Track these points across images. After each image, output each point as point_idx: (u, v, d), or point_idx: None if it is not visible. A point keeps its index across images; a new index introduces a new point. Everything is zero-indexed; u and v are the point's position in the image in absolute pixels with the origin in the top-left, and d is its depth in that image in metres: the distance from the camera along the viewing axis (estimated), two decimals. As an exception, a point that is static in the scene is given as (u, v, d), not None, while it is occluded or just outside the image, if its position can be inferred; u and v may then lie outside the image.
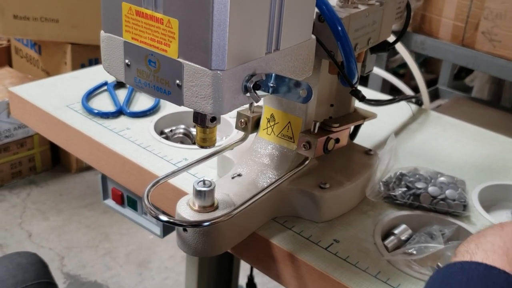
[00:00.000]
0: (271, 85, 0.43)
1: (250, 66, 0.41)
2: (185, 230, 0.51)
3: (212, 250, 0.53)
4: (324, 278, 0.52)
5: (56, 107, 0.78)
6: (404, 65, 2.17)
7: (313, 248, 0.55)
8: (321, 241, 0.56)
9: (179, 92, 0.42)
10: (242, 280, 1.19)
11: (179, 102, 0.42)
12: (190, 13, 0.38)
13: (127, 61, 0.44)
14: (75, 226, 1.72)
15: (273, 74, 0.43)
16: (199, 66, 0.40)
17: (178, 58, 0.41)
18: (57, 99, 0.80)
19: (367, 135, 0.71)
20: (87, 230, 1.72)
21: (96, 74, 0.89)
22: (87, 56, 1.90)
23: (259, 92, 0.42)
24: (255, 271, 1.30)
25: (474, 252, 0.41)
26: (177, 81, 0.41)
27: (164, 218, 0.49)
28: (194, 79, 0.40)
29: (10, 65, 2.21)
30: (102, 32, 0.45)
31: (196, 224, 0.50)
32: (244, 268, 1.19)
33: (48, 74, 1.99)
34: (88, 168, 2.00)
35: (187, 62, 0.40)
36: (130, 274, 1.57)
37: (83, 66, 1.90)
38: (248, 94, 0.42)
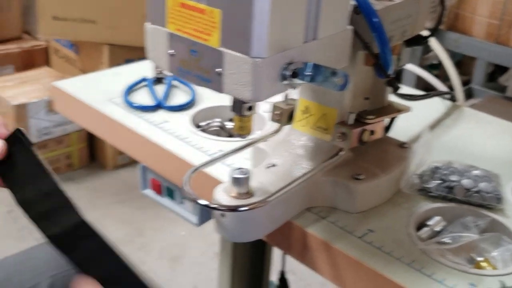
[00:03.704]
0: (308, 73, 0.44)
1: (288, 55, 0.43)
2: (222, 215, 0.53)
3: (248, 235, 0.54)
4: (358, 266, 0.53)
5: (99, 101, 0.81)
6: (437, 66, 2.15)
7: (347, 238, 0.56)
8: (356, 230, 0.57)
9: (219, 80, 0.43)
10: (273, 277, 1.21)
11: (219, 90, 0.44)
12: (232, 3, 0.40)
13: (170, 51, 0.46)
14: (110, 222, 1.77)
15: (310, 63, 0.44)
16: (240, 54, 0.41)
17: (219, 47, 0.42)
18: (100, 94, 0.83)
19: (401, 128, 0.71)
20: (122, 225, 1.76)
21: (135, 71, 0.92)
22: (124, 56, 1.94)
23: (296, 81, 0.44)
24: (286, 268, 1.31)
25: None
26: (218, 69, 0.43)
27: (203, 202, 0.50)
28: (234, 67, 0.42)
29: (49, 65, 2.28)
30: (147, 24, 0.47)
31: (233, 209, 0.51)
32: (275, 266, 1.20)
33: (85, 74, 2.04)
34: (123, 165, 2.05)
35: (227, 50, 0.42)
36: (164, 268, 1.60)
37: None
38: (285, 82, 0.43)
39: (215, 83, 0.44)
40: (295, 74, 0.43)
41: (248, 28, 0.40)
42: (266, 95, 0.43)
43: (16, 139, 0.53)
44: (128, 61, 1.97)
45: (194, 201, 0.50)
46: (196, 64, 0.44)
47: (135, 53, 1.90)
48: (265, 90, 0.42)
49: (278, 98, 0.68)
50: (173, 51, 0.46)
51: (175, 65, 0.47)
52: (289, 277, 1.35)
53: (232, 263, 1.03)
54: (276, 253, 1.14)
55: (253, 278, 1.07)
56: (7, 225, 1.74)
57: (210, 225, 0.76)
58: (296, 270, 1.68)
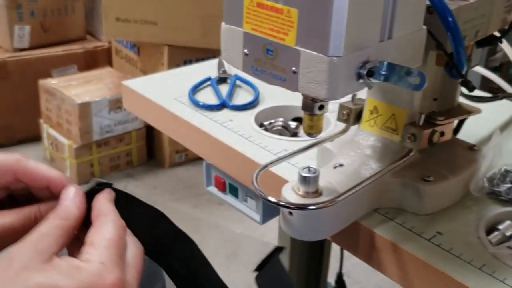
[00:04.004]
0: (383, 73, 0.44)
1: (364, 54, 0.43)
2: (290, 213, 0.53)
3: (315, 234, 0.55)
4: (427, 268, 0.52)
5: (165, 100, 0.83)
6: (499, 68, 2.08)
7: (415, 239, 0.56)
8: (424, 232, 0.56)
9: (295, 79, 0.44)
10: (330, 278, 1.20)
11: (294, 88, 0.45)
12: (310, 2, 0.41)
13: (245, 50, 0.47)
14: (167, 218, 1.81)
15: (385, 62, 0.44)
16: (316, 53, 0.42)
17: (295, 46, 0.43)
18: (166, 93, 0.85)
19: (469, 131, 0.70)
20: (179, 222, 1.79)
21: (200, 70, 0.94)
22: (183, 57, 1.99)
23: (372, 80, 0.44)
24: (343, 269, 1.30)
25: None
26: (293, 68, 0.44)
27: (272, 199, 0.51)
28: (310, 65, 0.42)
29: (111, 65, 2.35)
30: (223, 24, 0.49)
31: (302, 207, 0.52)
32: (332, 267, 1.20)
33: (145, 74, 2.10)
34: (180, 163, 2.09)
35: (304, 49, 0.42)
36: (219, 266, 1.61)
37: (178, 67, 1.98)
38: (361, 81, 0.43)
39: (290, 81, 0.44)
40: (370, 73, 0.43)
41: (326, 27, 0.40)
42: (341, 94, 0.43)
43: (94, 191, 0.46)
44: (186, 62, 2.01)
45: (264, 198, 0.51)
46: (271, 63, 0.45)
47: (192, 54, 1.94)
48: (341, 89, 0.42)
49: (345, 98, 0.68)
50: (247, 50, 0.47)
51: (249, 64, 0.47)
52: (344, 279, 1.34)
53: (290, 263, 1.03)
54: (332, 255, 1.14)
55: (310, 278, 1.07)
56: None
57: (265, 224, 0.78)
58: (351, 273, 1.67)
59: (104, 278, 0.38)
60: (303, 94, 0.47)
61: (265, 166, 0.57)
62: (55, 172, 0.44)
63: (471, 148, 0.65)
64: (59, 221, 0.40)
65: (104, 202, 0.44)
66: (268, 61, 0.45)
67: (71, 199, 0.42)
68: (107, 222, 0.42)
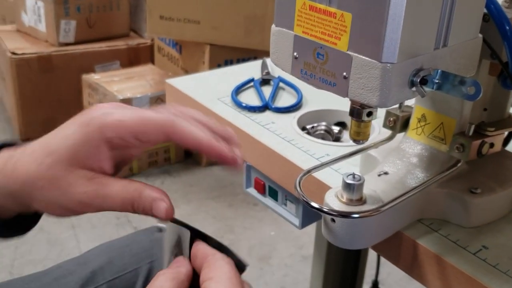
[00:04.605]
0: (436, 81, 0.43)
1: (418, 61, 0.42)
2: (333, 220, 0.53)
3: (357, 243, 0.54)
4: (472, 282, 0.51)
5: (208, 99, 0.83)
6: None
7: (460, 252, 0.54)
8: (469, 246, 0.55)
9: (345, 84, 0.43)
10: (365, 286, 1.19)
11: (344, 94, 0.44)
12: (365, 6, 0.40)
13: (295, 53, 0.46)
14: (202, 216, 1.82)
15: (439, 70, 0.43)
16: (369, 59, 0.41)
17: (347, 51, 0.42)
18: (209, 92, 0.86)
19: (520, 143, 0.68)
20: (213, 220, 1.81)
21: (243, 71, 0.94)
22: (224, 57, 2.00)
23: (425, 88, 0.43)
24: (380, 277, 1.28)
25: None
26: (344, 73, 0.43)
27: (316, 205, 0.50)
28: (362, 71, 0.42)
29: (153, 63, 2.38)
30: (273, 26, 0.48)
31: (346, 215, 0.51)
32: (367, 274, 1.18)
33: (187, 72, 2.12)
34: (217, 163, 2.10)
35: (356, 54, 0.42)
36: (252, 267, 1.62)
37: (219, 66, 2.00)
38: (413, 89, 0.42)
39: (340, 87, 0.44)
40: (424, 81, 0.42)
41: (380, 33, 0.39)
42: (393, 102, 0.42)
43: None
44: (227, 61, 2.02)
45: (307, 204, 0.51)
46: (321, 67, 0.45)
47: (234, 54, 1.94)
48: (392, 96, 0.41)
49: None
50: (297, 53, 0.46)
51: (298, 67, 0.47)
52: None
53: (325, 269, 1.02)
54: (367, 261, 1.13)
55: (345, 285, 1.06)
56: (106, 213, 1.84)
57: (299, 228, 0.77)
58: (385, 280, 1.64)
59: None
60: (352, 100, 0.46)
61: (309, 171, 0.56)
62: (203, 134, 0.47)
63: (521, 161, 0.63)
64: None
65: (205, 246, 0.44)
66: (318, 65, 0.45)
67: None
68: (219, 260, 0.42)
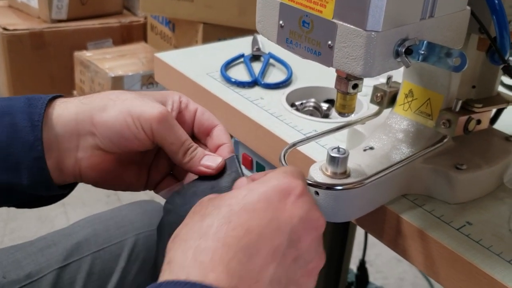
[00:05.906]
0: (422, 52, 0.42)
1: (404, 31, 0.42)
2: (317, 193, 0.52)
3: (340, 216, 0.54)
4: (454, 257, 0.51)
5: (197, 74, 0.82)
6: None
7: (444, 228, 0.54)
8: (453, 221, 0.55)
9: (330, 53, 0.43)
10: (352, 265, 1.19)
11: (329, 63, 0.43)
12: (350, -27, 0.39)
13: (281, 22, 0.46)
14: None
15: (425, 41, 0.42)
16: (354, 27, 0.40)
17: (332, 18, 0.42)
18: (198, 67, 0.85)
19: (507, 121, 0.67)
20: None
21: (233, 47, 0.93)
22: (217, 36, 1.97)
23: (410, 58, 0.42)
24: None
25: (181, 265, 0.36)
26: (329, 42, 0.42)
27: (299, 178, 0.50)
28: (347, 39, 0.41)
29: (145, 41, 2.36)
30: (259, -6, 0.48)
31: (329, 187, 0.51)
32: (355, 255, 1.19)
33: (180, 50, 2.10)
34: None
35: (341, 22, 0.41)
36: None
37: (212, 45, 1.98)
38: (398, 59, 0.42)
39: (325, 56, 0.43)
40: (409, 51, 0.42)
41: (365, 0, 0.39)
42: (377, 71, 0.41)
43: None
44: (221, 40, 2.00)
45: (291, 175, 0.50)
46: (306, 36, 0.44)
47: (227, 33, 1.92)
48: (377, 65, 0.41)
49: (380, 79, 0.67)
50: (283, 22, 0.46)
51: (284, 36, 0.46)
52: (367, 267, 1.33)
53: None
54: (356, 243, 1.13)
55: (332, 263, 1.06)
56: (97, 191, 1.83)
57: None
58: (373, 262, 1.65)
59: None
60: (337, 71, 0.45)
61: (294, 145, 0.56)
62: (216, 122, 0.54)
63: (508, 139, 0.63)
64: None
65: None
66: (304, 34, 0.44)
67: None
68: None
